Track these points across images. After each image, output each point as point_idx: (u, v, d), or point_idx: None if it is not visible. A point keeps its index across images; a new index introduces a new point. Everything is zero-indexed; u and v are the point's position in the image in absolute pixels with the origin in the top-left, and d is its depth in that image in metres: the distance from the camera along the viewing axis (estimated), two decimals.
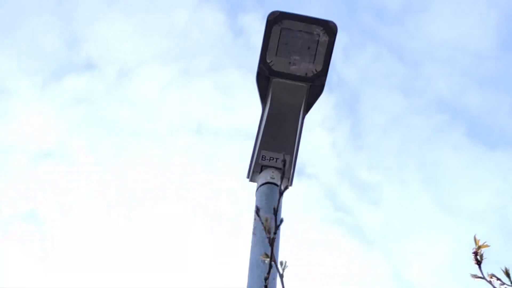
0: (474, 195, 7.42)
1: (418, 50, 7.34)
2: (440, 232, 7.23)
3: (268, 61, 3.11)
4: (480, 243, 1.55)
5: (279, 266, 1.62)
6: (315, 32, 3.09)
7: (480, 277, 1.53)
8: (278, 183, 3.12)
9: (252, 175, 3.22)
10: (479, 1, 7.58)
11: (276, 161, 3.16)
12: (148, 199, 7.09)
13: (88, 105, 7.24)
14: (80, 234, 7.21)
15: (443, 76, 7.50)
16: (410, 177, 7.50)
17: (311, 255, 5.88)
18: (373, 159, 7.29)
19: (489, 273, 1.55)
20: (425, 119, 7.49)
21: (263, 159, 3.18)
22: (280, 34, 3.08)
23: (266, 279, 1.60)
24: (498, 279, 1.54)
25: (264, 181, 3.12)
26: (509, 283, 1.53)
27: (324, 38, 3.10)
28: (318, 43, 3.10)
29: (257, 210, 1.68)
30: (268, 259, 1.66)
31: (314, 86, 3.14)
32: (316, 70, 3.12)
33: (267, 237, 1.60)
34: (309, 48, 3.10)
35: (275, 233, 1.64)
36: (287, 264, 1.62)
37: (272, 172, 3.14)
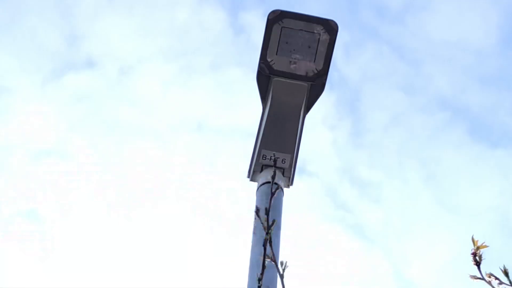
0: (475, 194, 7.42)
1: (419, 48, 7.34)
2: (441, 230, 7.23)
3: (269, 60, 3.11)
4: (480, 243, 1.55)
5: (279, 266, 1.62)
6: (315, 31, 3.09)
7: (480, 278, 1.53)
8: (279, 182, 3.12)
9: (253, 175, 3.22)
10: None
11: (276, 161, 3.16)
12: (148, 199, 7.08)
13: (89, 103, 7.24)
14: (80, 234, 7.21)
15: (444, 75, 7.50)
16: (411, 175, 7.49)
17: (311, 254, 5.88)
18: (374, 157, 7.28)
19: (490, 272, 1.55)
20: (426, 117, 7.48)
21: (264, 158, 3.17)
22: (280, 33, 3.08)
23: (259, 280, 1.60)
24: (496, 278, 1.54)
25: (264, 181, 3.12)
26: (507, 282, 1.53)
27: (324, 37, 3.09)
28: (318, 42, 3.09)
29: (257, 210, 1.67)
30: (269, 260, 1.66)
31: (315, 85, 3.14)
32: (316, 69, 3.12)
33: (265, 238, 1.60)
34: (309, 47, 3.10)
35: (267, 233, 1.63)
36: (287, 264, 1.62)
37: (273, 171, 3.13)
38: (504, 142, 7.57)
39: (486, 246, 1.54)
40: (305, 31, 3.09)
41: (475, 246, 1.53)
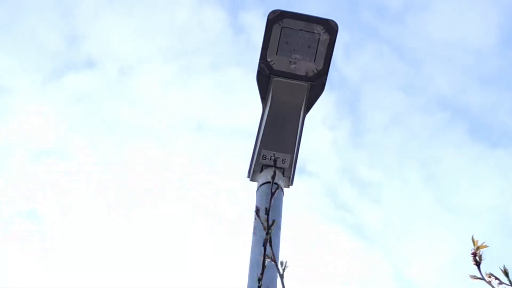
0: (475, 194, 7.42)
1: (419, 48, 7.34)
2: (441, 230, 7.23)
3: (269, 60, 3.11)
4: (480, 243, 1.55)
5: (279, 266, 1.62)
6: (315, 31, 3.09)
7: (480, 278, 1.53)
8: (279, 182, 3.12)
9: (253, 175, 3.22)
10: None
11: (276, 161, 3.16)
12: (148, 199, 7.08)
13: (89, 103, 7.24)
14: (80, 234, 7.21)
15: (444, 75, 7.50)
16: (411, 175, 7.49)
17: (311, 254, 5.88)
18: (374, 157, 7.28)
19: (490, 272, 1.55)
20: (426, 117, 7.48)
21: (264, 158, 3.17)
22: (280, 33, 3.08)
23: (259, 280, 1.60)
24: (496, 278, 1.54)
25: (264, 181, 3.12)
26: (507, 282, 1.53)
27: (324, 37, 3.09)
28: (318, 42, 3.09)
29: (257, 211, 1.67)
30: (269, 260, 1.66)
31: (315, 85, 3.14)
32: (316, 69, 3.11)
33: (265, 239, 1.60)
34: (309, 47, 3.10)
35: (267, 233, 1.63)
36: (287, 264, 1.62)
37: (273, 171, 3.13)
38: (504, 142, 7.57)
39: (486, 246, 1.54)
40: (305, 31, 3.09)
41: (475, 246, 1.53)
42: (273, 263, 1.68)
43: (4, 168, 7.34)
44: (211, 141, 6.80)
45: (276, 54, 3.10)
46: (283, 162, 3.16)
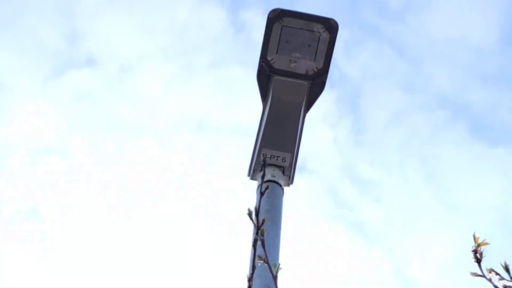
0: (476, 192, 7.41)
1: (419, 46, 7.33)
2: (441, 229, 7.22)
3: (269, 58, 3.10)
4: (481, 240, 1.55)
5: (272, 267, 1.61)
6: (316, 30, 3.09)
7: (480, 275, 1.53)
8: (279, 181, 3.12)
9: (253, 173, 3.21)
10: None
11: (277, 160, 3.16)
12: (148, 199, 7.08)
13: (89, 102, 7.23)
14: (80, 233, 7.21)
15: (445, 73, 7.49)
16: (411, 173, 7.49)
17: (311, 252, 5.88)
18: (375, 155, 7.27)
19: (491, 268, 1.54)
20: (426, 115, 7.47)
21: (264, 157, 3.17)
22: (280, 31, 3.08)
23: (249, 280, 1.59)
24: (497, 274, 1.54)
25: (265, 179, 3.12)
26: (508, 278, 1.53)
27: (325, 36, 3.09)
28: (319, 41, 3.09)
29: (250, 213, 1.66)
30: (261, 261, 1.65)
31: (315, 84, 3.14)
32: (317, 68, 3.11)
33: (261, 239, 1.59)
34: (310, 45, 3.10)
35: (257, 234, 1.62)
36: (280, 266, 1.61)
37: (273, 170, 3.13)
38: (504, 140, 7.56)
39: (487, 244, 1.53)
40: (305, 29, 3.09)
41: (476, 243, 1.52)
42: (266, 265, 1.67)
43: (4, 167, 7.34)
44: (211, 139, 6.80)
45: (277, 53, 3.10)
46: (283, 160, 3.16)
